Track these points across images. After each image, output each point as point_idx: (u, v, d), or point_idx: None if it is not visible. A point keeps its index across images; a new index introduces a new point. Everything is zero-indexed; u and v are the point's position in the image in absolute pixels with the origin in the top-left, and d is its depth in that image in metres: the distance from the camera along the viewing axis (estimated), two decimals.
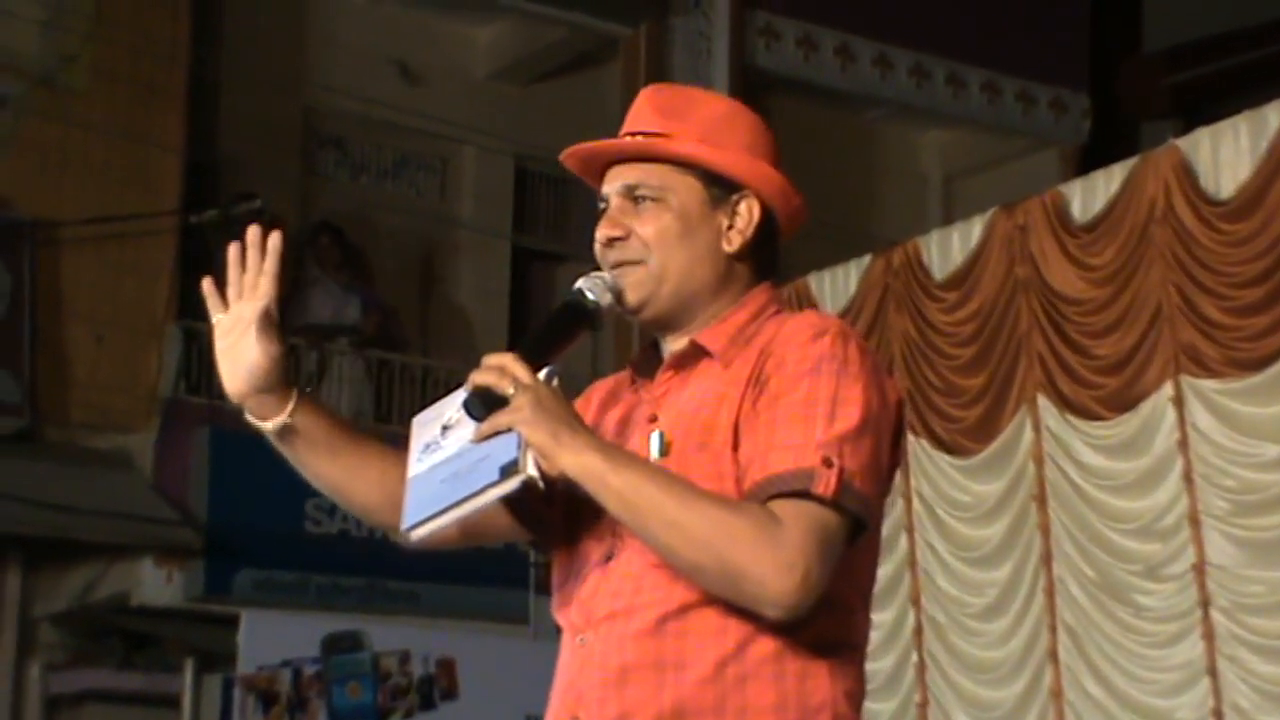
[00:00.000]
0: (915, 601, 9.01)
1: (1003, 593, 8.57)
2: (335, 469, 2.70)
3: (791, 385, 2.43)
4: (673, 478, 2.39)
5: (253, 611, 11.63)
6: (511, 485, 2.36)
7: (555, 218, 14.82)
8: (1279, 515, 7.44)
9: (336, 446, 2.69)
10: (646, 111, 2.67)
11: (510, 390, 2.38)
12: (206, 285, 2.70)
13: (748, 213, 2.62)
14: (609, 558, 2.51)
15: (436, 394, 2.92)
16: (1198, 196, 7.82)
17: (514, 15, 14.38)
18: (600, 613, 2.49)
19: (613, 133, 2.72)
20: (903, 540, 9.09)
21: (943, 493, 8.92)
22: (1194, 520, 7.66)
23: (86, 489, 11.38)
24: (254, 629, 11.56)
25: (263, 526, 11.59)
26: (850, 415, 2.41)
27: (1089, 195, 8.40)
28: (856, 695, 2.50)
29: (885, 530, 8.95)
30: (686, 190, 2.60)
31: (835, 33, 15.37)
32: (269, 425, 2.66)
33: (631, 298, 2.59)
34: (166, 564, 11.76)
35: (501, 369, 2.39)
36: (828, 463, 2.37)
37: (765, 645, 2.41)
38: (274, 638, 11.69)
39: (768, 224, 2.64)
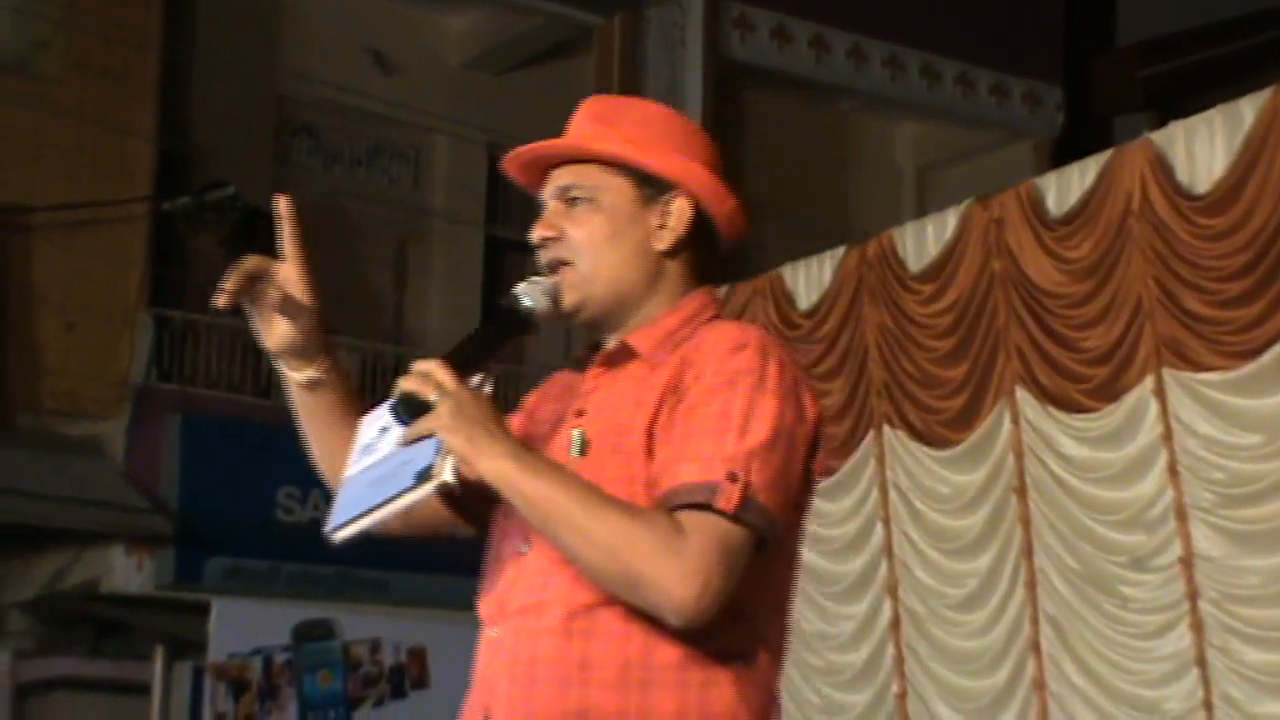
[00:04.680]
0: (892, 592, 9.02)
1: (982, 584, 8.58)
2: (333, 437, 2.75)
3: (707, 398, 2.47)
4: (582, 485, 2.43)
5: (223, 599, 11.62)
6: (425, 490, 2.42)
7: (529, 207, 14.61)
8: (1267, 507, 7.45)
9: (343, 417, 2.74)
10: (583, 118, 2.72)
11: (434, 396, 2.43)
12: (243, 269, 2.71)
13: (678, 211, 2.65)
14: (524, 550, 2.55)
15: None
16: (1174, 190, 7.83)
17: (488, 4, 14.38)
18: (513, 606, 2.54)
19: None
20: (878, 531, 9.10)
21: (920, 484, 8.93)
22: (1180, 513, 7.68)
23: (57, 476, 11.35)
24: (225, 617, 11.56)
25: (234, 514, 11.57)
26: (761, 430, 2.44)
27: (1064, 188, 8.41)
28: (761, 706, 2.53)
29: (859, 521, 8.97)
30: (617, 190, 2.64)
31: (810, 24, 15.38)
32: (299, 377, 2.74)
33: (567, 300, 2.62)
34: (137, 551, 11.74)
35: (426, 375, 2.44)
36: (732, 477, 2.40)
37: (670, 652, 2.45)
38: (245, 626, 11.69)
39: (702, 225, 2.67)
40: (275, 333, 2.71)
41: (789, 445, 2.48)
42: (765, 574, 2.50)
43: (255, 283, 2.68)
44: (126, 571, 11.76)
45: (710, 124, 14.60)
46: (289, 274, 2.71)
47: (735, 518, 2.39)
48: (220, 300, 2.66)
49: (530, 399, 2.80)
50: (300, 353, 2.72)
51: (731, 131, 15.36)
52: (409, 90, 14.20)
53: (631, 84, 14.36)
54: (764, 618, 2.55)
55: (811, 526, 9.31)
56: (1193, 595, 7.63)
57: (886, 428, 9.10)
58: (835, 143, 16.24)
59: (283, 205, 2.71)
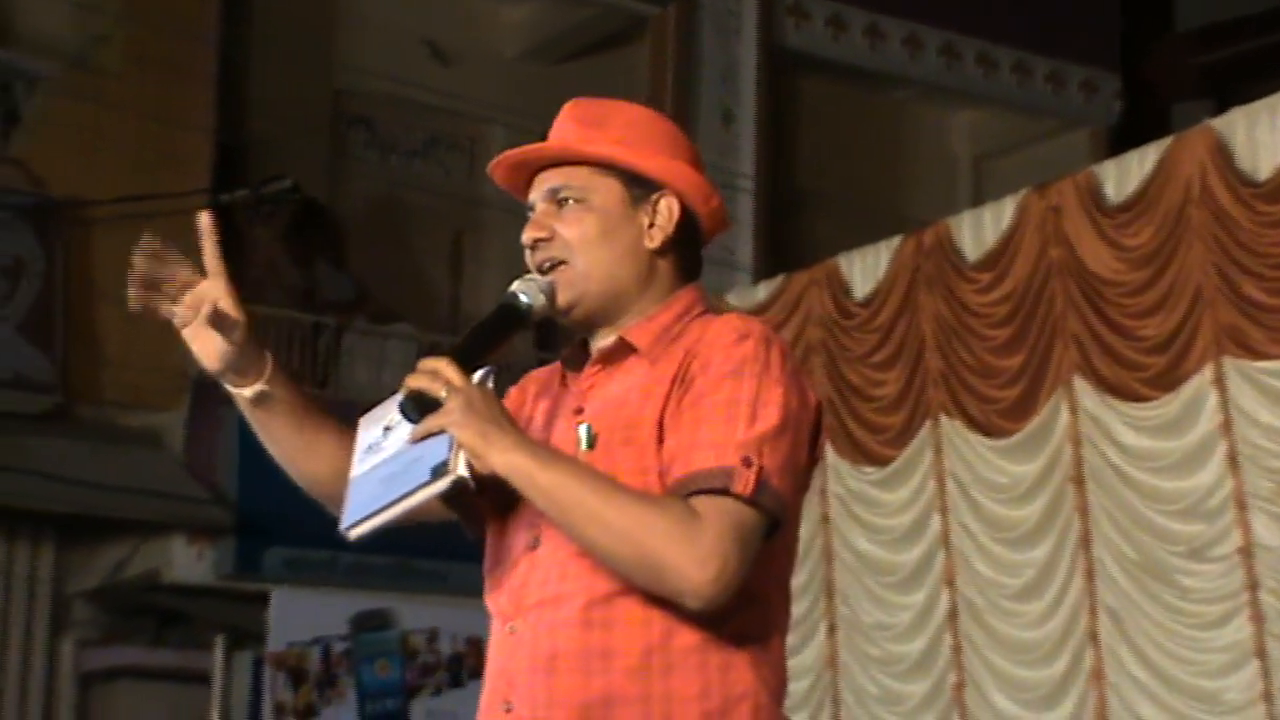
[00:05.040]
0: (949, 583, 9.00)
1: (1040, 574, 8.55)
2: (297, 439, 2.79)
3: (715, 386, 2.52)
4: (596, 474, 2.48)
5: (282, 589, 11.68)
6: (442, 485, 2.46)
7: None
8: None
9: (300, 418, 2.78)
10: (566, 122, 2.77)
11: (443, 393, 2.46)
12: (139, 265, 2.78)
13: (668, 210, 2.69)
14: (535, 545, 2.59)
15: None
16: (1235, 178, 7.79)
17: None
18: (530, 600, 2.57)
19: None
20: (935, 521, 9.08)
21: (977, 473, 8.91)
22: (1240, 502, 7.64)
23: (118, 467, 11.43)
24: (284, 607, 11.62)
25: (292, 505, 11.50)
26: (770, 416, 2.50)
27: (1122, 176, 8.38)
28: (777, 686, 2.58)
29: (916, 511, 8.95)
30: (607, 190, 2.68)
31: (865, 12, 15.34)
32: (245, 393, 2.75)
33: (561, 298, 2.66)
34: (197, 542, 11.81)
35: (435, 373, 2.48)
36: (746, 462, 2.46)
37: (689, 636, 2.49)
38: (303, 615, 11.74)
39: (689, 223, 2.72)
40: (210, 349, 2.73)
41: (795, 431, 2.54)
42: (773, 557, 2.55)
43: (162, 286, 2.72)
44: (187, 562, 11.82)
45: (765, 113, 14.60)
46: (215, 288, 2.71)
47: (751, 501, 2.44)
48: (131, 301, 2.72)
49: (509, 397, 2.82)
50: (239, 368, 2.74)
51: (786, 121, 15.34)
52: (464, 82, 14.23)
53: (686, 73, 14.35)
54: (774, 599, 2.61)
55: (868, 516, 9.34)
56: (1252, 585, 7.60)
57: (943, 417, 9.08)
58: (890, 132, 16.18)
59: (203, 221, 2.72)
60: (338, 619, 11.82)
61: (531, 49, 14.72)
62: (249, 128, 13.36)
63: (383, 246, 13.90)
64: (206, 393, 12.05)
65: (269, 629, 11.59)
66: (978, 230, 9.08)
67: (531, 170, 2.75)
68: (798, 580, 9.42)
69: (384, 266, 13.78)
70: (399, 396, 2.52)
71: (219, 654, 12.05)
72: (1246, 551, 7.62)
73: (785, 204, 15.07)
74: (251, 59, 13.37)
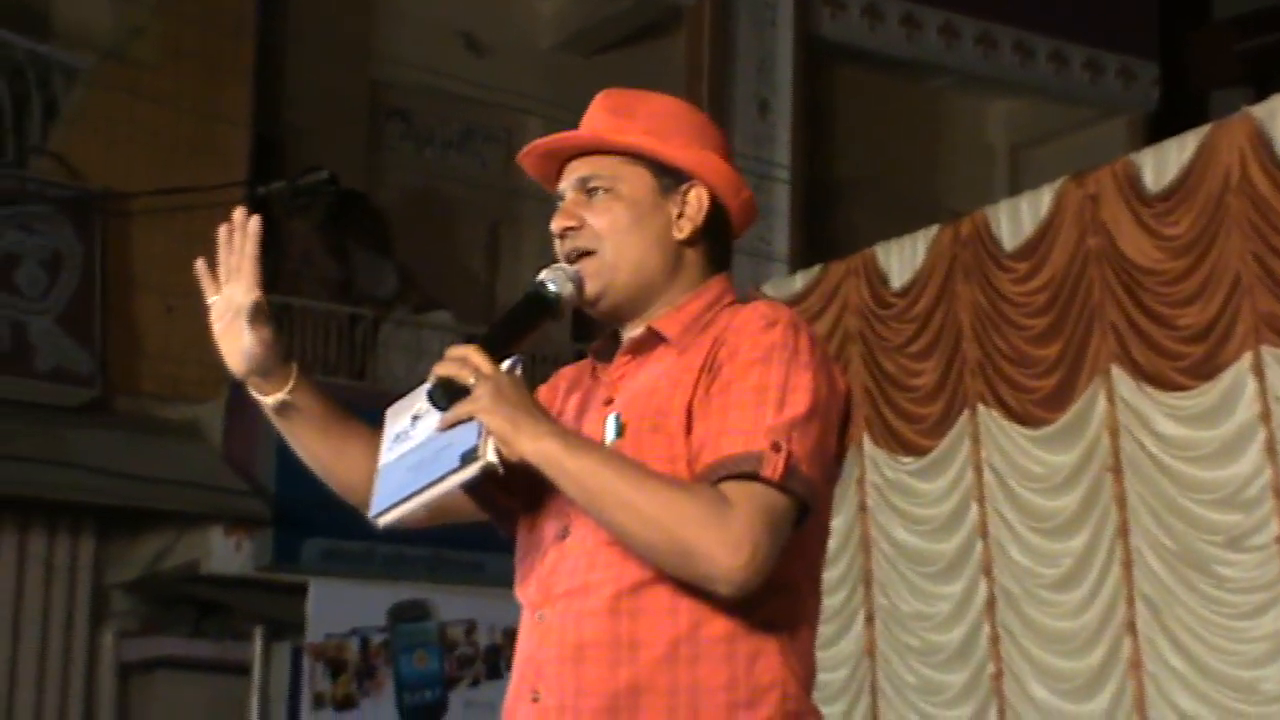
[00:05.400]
0: (987, 572, 8.98)
1: (1077, 563, 8.53)
2: (324, 446, 2.83)
3: (743, 373, 2.51)
4: (626, 461, 2.48)
5: (321, 580, 11.70)
6: (472, 472, 2.46)
7: None
8: None
9: (328, 425, 2.82)
10: (597, 112, 2.76)
11: (471, 380, 2.47)
12: (199, 267, 2.81)
13: (697, 201, 2.69)
14: (564, 535, 2.59)
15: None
16: (1274, 165, 7.75)
17: None
18: (558, 590, 2.57)
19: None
20: (973, 511, 9.07)
21: (1014, 463, 8.89)
22: (1278, 492, 7.61)
23: (157, 459, 11.46)
24: (322, 598, 11.64)
25: (330, 496, 11.60)
26: (799, 402, 2.49)
27: (1161, 164, 8.34)
28: (805, 676, 2.57)
29: (954, 501, 8.93)
30: (637, 180, 2.69)
31: (900, 1, 15.32)
32: (270, 401, 2.78)
33: (590, 288, 2.66)
34: (236, 533, 11.83)
35: (463, 360, 2.48)
36: (776, 447, 2.45)
37: (717, 626, 2.48)
38: (342, 607, 11.77)
39: (718, 214, 2.72)
40: (238, 351, 2.75)
41: (824, 417, 2.53)
42: (803, 545, 2.54)
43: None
44: (226, 553, 11.85)
45: (801, 104, 14.58)
46: (249, 291, 2.74)
47: (781, 486, 2.43)
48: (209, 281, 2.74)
49: (539, 394, 2.82)
50: (264, 372, 2.76)
51: (822, 111, 15.33)
52: (501, 73, 14.24)
53: (721, 64, 14.34)
54: (804, 588, 2.60)
55: (906, 506, 9.34)
56: None
57: (981, 407, 9.06)
58: (927, 121, 16.15)
59: (242, 217, 2.75)
60: (376, 610, 11.85)
61: (567, 40, 14.73)
62: (286, 120, 13.40)
63: (419, 238, 13.92)
64: (245, 385, 12.10)
65: (307, 620, 11.62)
66: (1015, 219, 9.06)
67: (562, 159, 2.75)
68: (836, 570, 9.46)
69: (421, 258, 13.80)
70: (427, 386, 2.52)
71: (258, 645, 12.08)
72: None
73: (822, 194, 15.05)
74: (288, 51, 13.40)
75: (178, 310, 11.75)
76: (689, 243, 2.69)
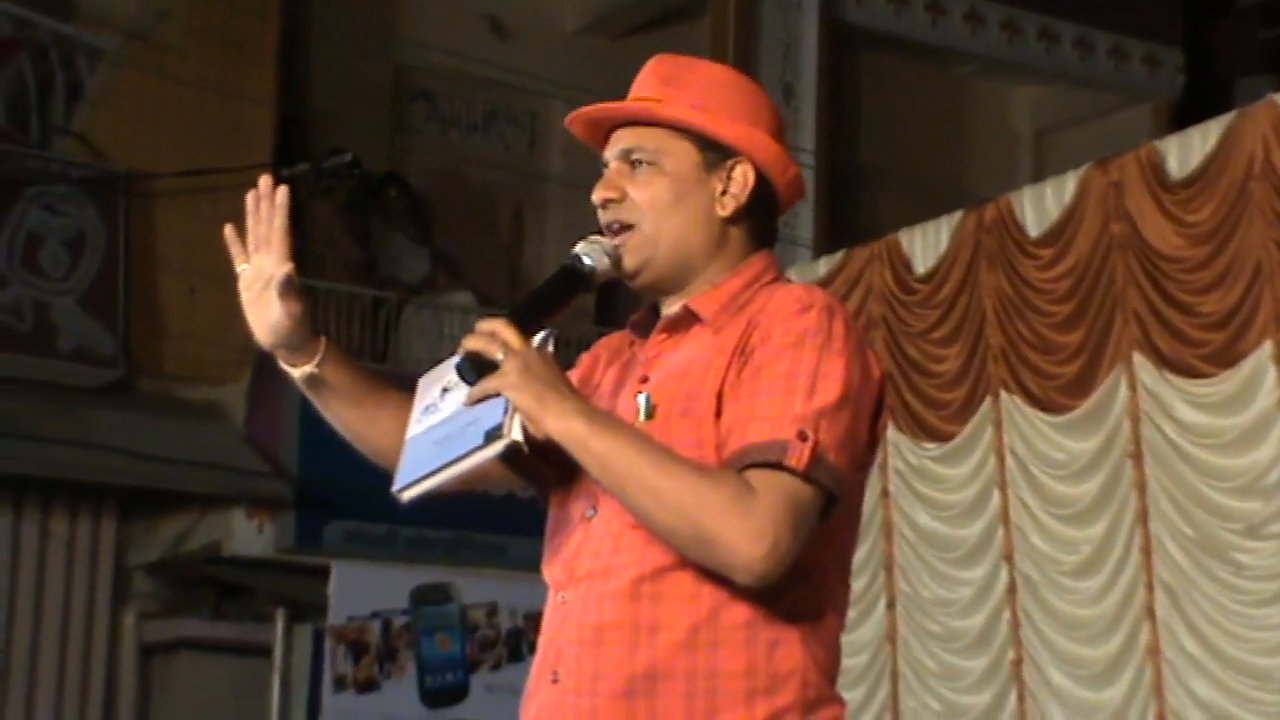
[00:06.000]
0: (1008, 558, 8.97)
1: (1097, 550, 8.52)
2: (356, 416, 2.81)
3: (775, 358, 2.48)
4: (652, 444, 2.44)
5: (343, 563, 11.72)
6: (496, 449, 2.43)
7: None
8: None
9: (359, 395, 2.80)
10: (648, 79, 2.72)
11: (500, 355, 2.44)
12: (229, 233, 2.83)
13: (742, 178, 2.66)
14: (590, 515, 2.57)
15: None
16: None
17: None
18: (581, 571, 2.55)
19: None
20: (995, 497, 9.06)
21: (1036, 449, 8.87)
22: None
23: (179, 440, 11.49)
24: (344, 580, 11.66)
25: (352, 479, 11.55)
26: (830, 390, 2.45)
27: (1185, 151, 8.32)
28: (828, 664, 2.54)
29: (977, 487, 8.92)
30: (681, 154, 2.65)
31: None
32: (297, 373, 2.77)
33: (628, 263, 2.64)
34: (258, 515, 11.85)
35: (493, 334, 2.45)
36: (803, 436, 2.41)
37: (738, 612, 2.46)
38: (364, 589, 11.78)
39: (763, 191, 2.68)
40: (266, 323, 2.73)
41: (855, 406, 2.49)
42: (832, 534, 2.51)
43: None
44: (247, 535, 11.87)
45: (825, 89, 14.55)
46: (281, 263, 2.73)
47: (806, 476, 2.40)
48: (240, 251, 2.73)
49: (581, 364, 2.81)
50: (292, 345, 2.74)
51: (847, 96, 15.29)
52: (525, 56, 14.22)
53: (746, 48, 14.32)
54: (831, 577, 2.57)
55: (929, 491, 9.34)
56: None
57: (1003, 393, 9.04)
58: (952, 107, 16.11)
59: (270, 187, 2.77)
60: (398, 593, 11.86)
61: (592, 23, 14.70)
62: (310, 102, 13.40)
63: (443, 221, 13.92)
64: (268, 366, 12.06)
65: (329, 602, 11.64)
66: (1039, 206, 9.03)
67: (608, 126, 2.72)
68: (858, 555, 9.36)
69: (444, 241, 13.80)
70: (457, 357, 2.50)
71: (279, 627, 12.10)
72: None
73: (846, 179, 15.02)
74: (313, 33, 13.40)
75: (200, 291, 11.78)
76: (732, 220, 2.66)
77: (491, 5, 14.37)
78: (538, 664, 2.61)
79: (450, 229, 13.95)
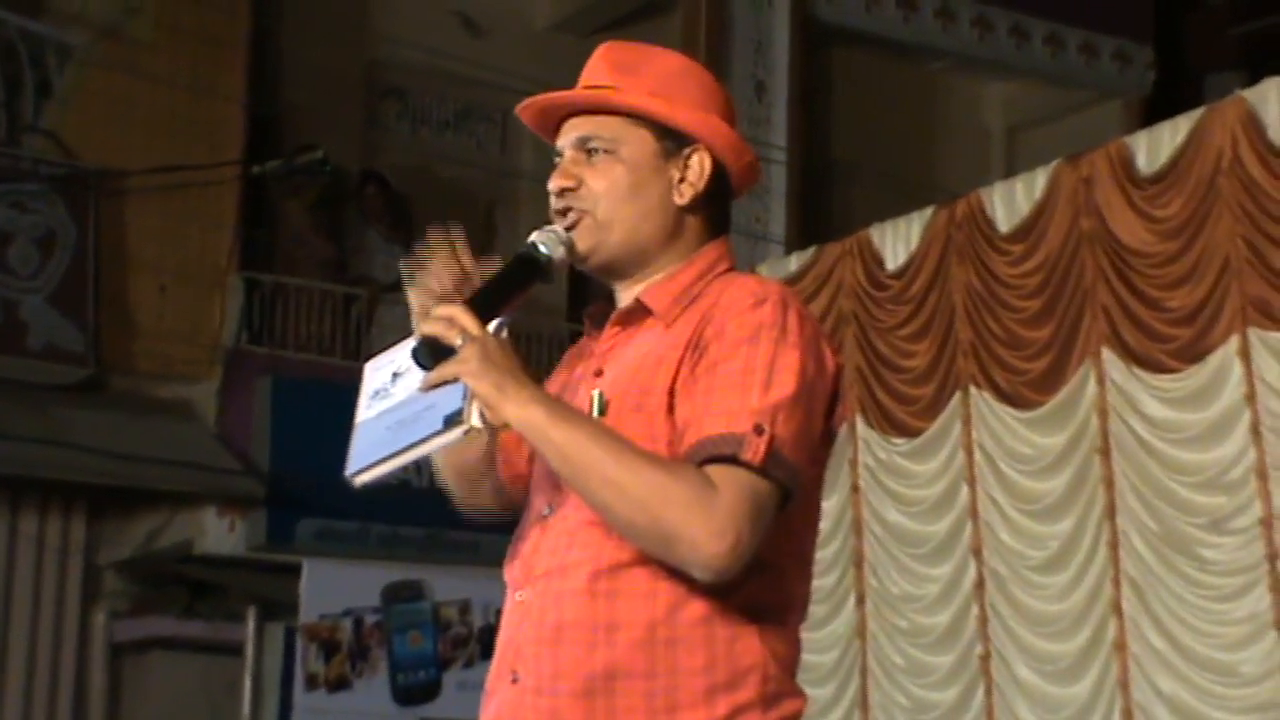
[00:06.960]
0: (976, 554, 8.99)
1: (1064, 546, 8.54)
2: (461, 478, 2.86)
3: (730, 353, 2.46)
4: (613, 436, 2.42)
5: (314, 561, 11.70)
6: (454, 435, 2.41)
7: None
8: None
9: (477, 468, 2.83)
10: (600, 66, 2.69)
11: (458, 341, 2.41)
12: (452, 238, 2.79)
13: (699, 166, 2.64)
14: (547, 513, 2.56)
15: None
16: (1265, 148, 7.75)
17: None
18: (539, 570, 2.53)
19: None
20: (963, 492, 9.07)
21: (1005, 445, 8.89)
22: (1261, 473, 7.61)
23: (150, 438, 11.46)
24: (316, 578, 11.65)
25: (324, 476, 11.56)
26: (786, 384, 2.44)
27: (1154, 147, 8.34)
28: (788, 658, 2.53)
29: (945, 483, 8.93)
30: (638, 142, 2.63)
31: None
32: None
33: (580, 245, 2.61)
34: (229, 513, 11.83)
35: (450, 319, 2.42)
36: (759, 430, 2.39)
37: (695, 609, 2.44)
38: (335, 587, 11.77)
39: (719, 179, 2.66)
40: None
41: (810, 399, 2.47)
42: (788, 527, 2.49)
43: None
44: (219, 533, 11.85)
45: (797, 85, 14.56)
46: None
47: (762, 471, 2.38)
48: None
49: (553, 381, 2.77)
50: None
51: (819, 92, 15.31)
52: (496, 53, 14.21)
53: (718, 44, 14.32)
54: (789, 571, 2.54)
55: (899, 487, 9.34)
56: (1272, 557, 7.57)
57: (972, 389, 9.06)
58: (923, 103, 16.13)
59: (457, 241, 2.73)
60: (369, 590, 11.85)
61: (563, 21, 14.70)
62: (281, 98, 13.37)
63: (415, 218, 13.91)
64: (239, 364, 12.09)
65: (301, 600, 11.62)
66: (1010, 201, 9.05)
67: (560, 115, 2.69)
68: (828, 552, 9.47)
69: (416, 239, 13.79)
70: (409, 342, 2.47)
71: (251, 625, 12.08)
72: (1267, 523, 7.58)
73: (818, 175, 15.04)
74: (284, 29, 13.38)
75: (171, 289, 11.76)
76: (688, 208, 2.64)
77: (463, 2, 14.36)
78: (496, 664, 2.58)
79: (421, 226, 13.93)
